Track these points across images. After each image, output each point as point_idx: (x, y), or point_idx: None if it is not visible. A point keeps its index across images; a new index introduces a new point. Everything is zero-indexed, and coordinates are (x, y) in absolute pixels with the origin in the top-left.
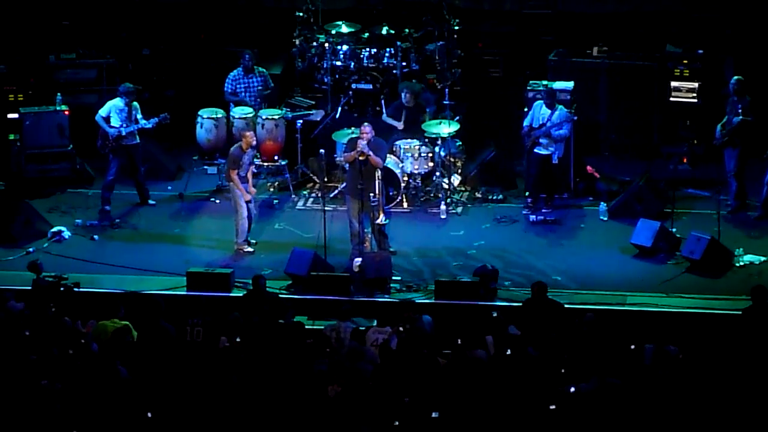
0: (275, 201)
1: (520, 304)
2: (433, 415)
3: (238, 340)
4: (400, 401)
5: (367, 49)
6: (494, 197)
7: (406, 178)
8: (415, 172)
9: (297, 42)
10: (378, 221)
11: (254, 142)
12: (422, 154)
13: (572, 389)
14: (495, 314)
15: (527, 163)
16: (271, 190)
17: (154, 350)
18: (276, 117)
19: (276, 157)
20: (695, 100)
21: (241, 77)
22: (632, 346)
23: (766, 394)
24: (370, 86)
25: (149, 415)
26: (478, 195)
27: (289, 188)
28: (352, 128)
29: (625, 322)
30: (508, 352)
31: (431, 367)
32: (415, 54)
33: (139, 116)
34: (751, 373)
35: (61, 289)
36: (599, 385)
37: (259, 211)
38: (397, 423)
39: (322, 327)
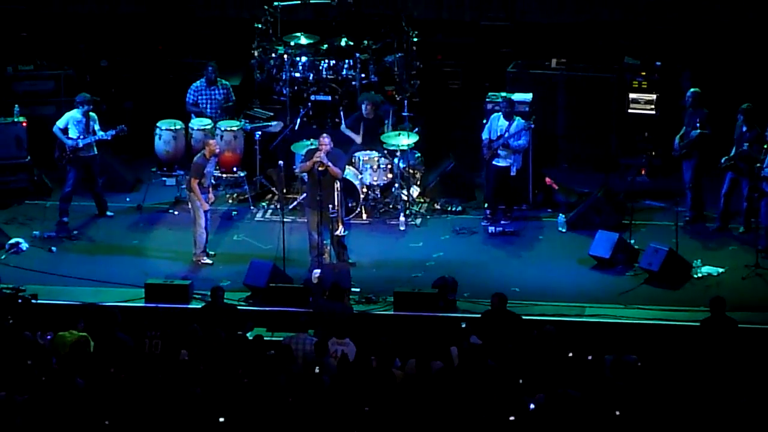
0: (234, 212)
1: (479, 315)
2: None
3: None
4: (360, 412)
5: (326, 61)
6: (453, 209)
7: (365, 190)
8: (374, 183)
9: (256, 53)
10: (337, 233)
11: (218, 150)
12: (381, 166)
13: (532, 406)
14: (464, 325)
15: (486, 175)
16: (230, 201)
17: (112, 362)
18: (234, 128)
19: (235, 169)
20: (653, 112)
21: (204, 89)
22: (589, 357)
23: (723, 404)
24: (329, 98)
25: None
26: (437, 206)
27: (247, 200)
28: (311, 140)
29: (583, 333)
30: (470, 362)
31: (388, 379)
32: (374, 66)
33: (96, 127)
34: (709, 385)
35: (19, 300)
36: (558, 397)
37: (219, 222)
38: None
39: (281, 338)
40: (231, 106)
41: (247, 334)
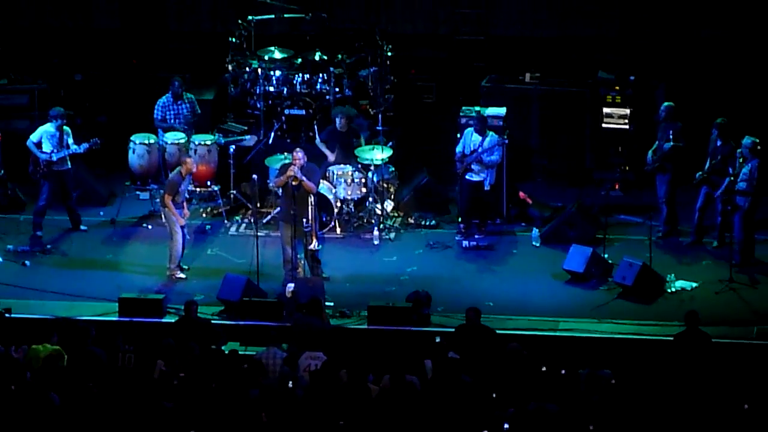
0: (208, 226)
1: (453, 329)
2: None
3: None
4: (334, 427)
5: (300, 75)
6: (427, 223)
7: (338, 204)
8: (348, 197)
9: (230, 67)
10: (311, 247)
11: (194, 169)
12: (355, 180)
13: (506, 426)
14: (438, 339)
15: (459, 190)
16: (204, 215)
17: (85, 376)
18: (208, 142)
19: (209, 183)
20: (627, 127)
21: (171, 104)
22: (563, 371)
23: (697, 419)
24: (303, 112)
25: None
26: (411, 221)
27: (221, 214)
28: (285, 154)
29: (557, 347)
30: (445, 377)
31: (363, 393)
32: (348, 80)
33: (70, 141)
34: (683, 399)
35: None
36: (533, 411)
37: (193, 236)
38: None
39: (254, 353)
40: (197, 120)
41: (223, 348)
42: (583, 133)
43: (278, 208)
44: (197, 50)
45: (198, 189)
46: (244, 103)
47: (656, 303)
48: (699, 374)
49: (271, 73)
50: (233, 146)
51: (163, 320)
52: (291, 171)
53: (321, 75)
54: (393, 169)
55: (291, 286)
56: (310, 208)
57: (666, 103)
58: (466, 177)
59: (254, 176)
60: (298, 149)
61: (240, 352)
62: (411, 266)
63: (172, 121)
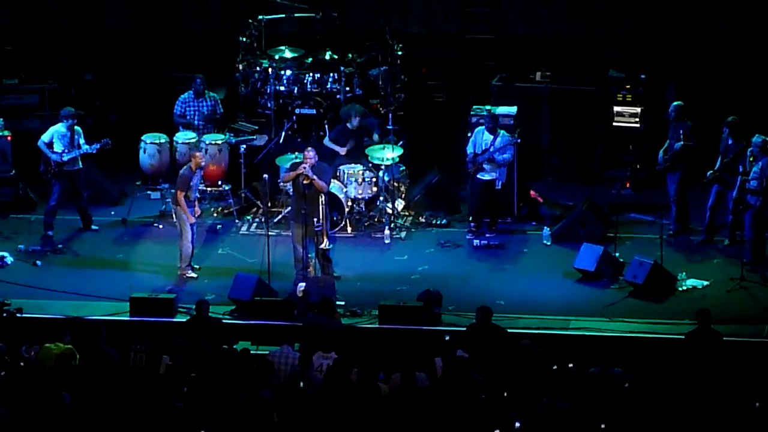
0: (219, 226)
1: (464, 328)
2: None
3: (181, 360)
4: (345, 427)
5: (311, 74)
6: (438, 222)
7: (349, 203)
8: (359, 196)
9: (240, 67)
10: (322, 246)
11: (203, 163)
12: (366, 179)
13: (517, 424)
14: (447, 337)
15: (471, 189)
16: (215, 215)
17: (96, 375)
18: (219, 142)
19: (219, 182)
20: (638, 125)
21: (192, 100)
22: (574, 370)
23: (708, 417)
24: (314, 111)
25: None
26: (422, 220)
27: (232, 213)
28: (296, 153)
29: (568, 346)
30: (455, 375)
31: (373, 393)
32: (359, 79)
33: (81, 141)
34: (694, 397)
35: (4, 314)
36: (544, 409)
37: (204, 236)
38: None
39: (266, 352)
40: (218, 118)
41: (234, 347)
42: (594, 131)
43: (289, 208)
44: (208, 50)
45: (209, 188)
46: (254, 102)
47: (667, 301)
48: (710, 372)
49: (282, 72)
50: (244, 146)
51: (175, 320)
52: (302, 170)
53: (332, 74)
54: (404, 168)
55: (302, 285)
56: (321, 207)
57: (675, 103)
58: (478, 176)
59: (265, 176)
60: (309, 148)
61: (252, 352)
62: (422, 265)
63: (192, 117)
